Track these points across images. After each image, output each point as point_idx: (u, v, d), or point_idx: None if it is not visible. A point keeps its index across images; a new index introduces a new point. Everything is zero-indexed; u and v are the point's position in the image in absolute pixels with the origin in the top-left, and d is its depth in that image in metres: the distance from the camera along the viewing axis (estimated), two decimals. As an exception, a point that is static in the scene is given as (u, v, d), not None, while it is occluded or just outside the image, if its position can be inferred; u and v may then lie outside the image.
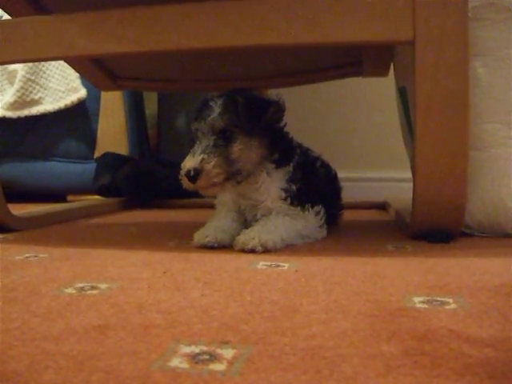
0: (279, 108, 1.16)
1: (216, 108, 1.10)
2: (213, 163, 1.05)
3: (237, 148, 1.09)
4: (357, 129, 2.53)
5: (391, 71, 1.63)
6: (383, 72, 1.67)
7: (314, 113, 2.55)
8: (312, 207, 1.18)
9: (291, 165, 1.17)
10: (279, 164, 1.16)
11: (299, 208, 1.16)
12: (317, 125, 2.54)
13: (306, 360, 0.48)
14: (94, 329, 0.57)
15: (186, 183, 1.07)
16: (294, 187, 1.16)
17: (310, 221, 1.17)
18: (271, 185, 1.15)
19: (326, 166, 1.36)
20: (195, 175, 1.04)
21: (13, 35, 1.23)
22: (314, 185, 1.23)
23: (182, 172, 1.06)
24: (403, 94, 1.40)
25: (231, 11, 1.10)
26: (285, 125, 1.20)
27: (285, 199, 1.15)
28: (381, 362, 0.47)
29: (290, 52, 1.53)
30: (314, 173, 1.27)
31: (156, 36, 1.14)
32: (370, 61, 1.59)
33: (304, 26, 1.08)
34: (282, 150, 1.18)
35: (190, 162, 1.05)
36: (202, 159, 1.05)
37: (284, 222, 1.11)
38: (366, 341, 0.53)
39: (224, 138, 1.09)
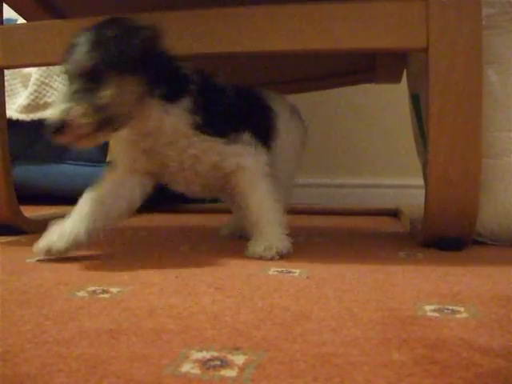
0: (154, 33, 0.98)
1: (82, 45, 0.93)
2: (79, 112, 0.90)
3: (107, 91, 0.93)
4: (369, 135, 2.53)
5: (404, 78, 1.63)
6: (396, 79, 1.68)
7: (325, 119, 2.55)
8: (236, 135, 1.07)
9: (189, 95, 1.03)
10: (172, 98, 1.02)
11: (219, 138, 1.05)
12: (328, 131, 2.54)
13: (317, 367, 0.48)
14: (106, 333, 0.57)
15: (51, 138, 0.91)
16: (199, 118, 1.03)
17: (246, 153, 1.08)
18: (173, 121, 1.02)
19: (246, 90, 1.22)
20: (59, 127, 0.89)
21: (27, 39, 1.24)
22: (227, 110, 1.09)
23: (46, 126, 0.90)
24: (416, 102, 1.40)
25: (245, 17, 1.11)
26: (171, 52, 1.03)
27: (195, 129, 1.03)
28: (391, 371, 0.47)
29: (305, 58, 1.54)
30: (223, 98, 1.11)
31: (171, 40, 1.14)
32: (383, 68, 1.60)
33: (318, 33, 1.09)
34: (171, 82, 1.03)
35: (53, 113, 0.90)
36: (67, 108, 0.90)
37: (273, 206, 1.07)
38: (376, 349, 0.53)
39: (93, 80, 0.92)
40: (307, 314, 0.65)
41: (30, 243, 0.91)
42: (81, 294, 0.75)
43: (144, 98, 0.99)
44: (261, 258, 1.03)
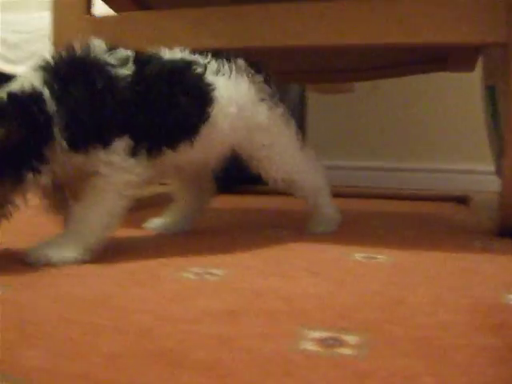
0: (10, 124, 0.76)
1: None
2: None
3: None
4: (438, 120, 2.54)
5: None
6: (469, 68, 1.68)
7: (395, 105, 2.56)
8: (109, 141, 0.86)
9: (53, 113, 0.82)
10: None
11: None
12: (398, 116, 2.56)
13: (422, 348, 0.53)
14: (224, 313, 0.63)
15: None
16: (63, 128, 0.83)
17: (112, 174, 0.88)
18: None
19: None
20: None
21: (115, 31, 1.30)
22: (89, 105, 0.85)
23: None
24: (491, 93, 1.41)
25: (329, 11, 1.15)
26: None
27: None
28: (490, 354, 0.52)
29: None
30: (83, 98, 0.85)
31: (255, 33, 1.20)
32: (457, 57, 1.61)
33: (396, 27, 1.12)
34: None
35: None
36: None
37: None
38: (471, 333, 0.57)
39: None
40: (400, 299, 0.70)
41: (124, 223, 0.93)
42: (186, 275, 0.80)
43: (20, 184, 0.81)
44: None
